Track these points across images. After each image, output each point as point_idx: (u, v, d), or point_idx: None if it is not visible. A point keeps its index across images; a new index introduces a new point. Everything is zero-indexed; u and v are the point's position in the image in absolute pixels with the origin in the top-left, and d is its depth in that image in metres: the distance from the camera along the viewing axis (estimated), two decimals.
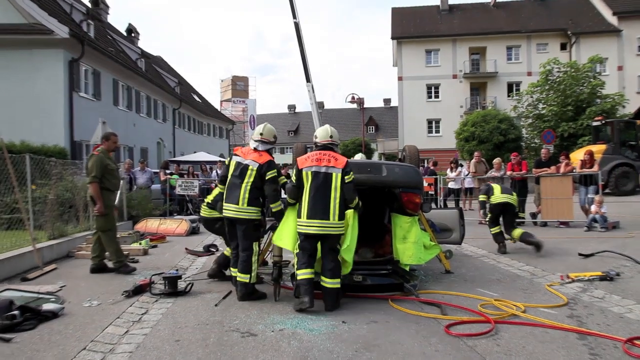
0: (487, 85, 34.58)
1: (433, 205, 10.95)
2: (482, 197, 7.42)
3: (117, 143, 6.01)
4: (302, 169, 4.40)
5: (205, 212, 5.29)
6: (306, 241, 4.26)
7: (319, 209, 4.20)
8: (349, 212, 4.38)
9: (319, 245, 4.33)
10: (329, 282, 4.18)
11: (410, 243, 4.93)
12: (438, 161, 16.22)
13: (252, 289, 4.50)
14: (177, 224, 9.98)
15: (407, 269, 4.93)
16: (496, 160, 10.99)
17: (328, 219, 4.19)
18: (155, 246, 8.13)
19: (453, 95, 34.18)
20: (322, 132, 4.62)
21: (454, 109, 33.89)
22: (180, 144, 28.90)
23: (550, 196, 9.57)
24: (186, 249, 7.55)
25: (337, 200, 4.24)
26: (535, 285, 5.01)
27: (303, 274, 4.25)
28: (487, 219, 7.05)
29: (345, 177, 4.30)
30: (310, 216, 4.20)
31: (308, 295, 4.12)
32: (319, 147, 4.55)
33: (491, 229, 7.14)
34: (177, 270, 5.67)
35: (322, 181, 4.29)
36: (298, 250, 4.35)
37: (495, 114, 24.77)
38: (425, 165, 14.83)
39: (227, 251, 5.29)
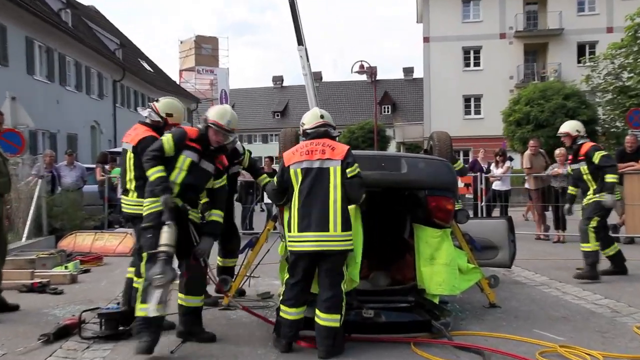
0: (549, 47, 34.70)
1: (471, 214, 10.98)
2: (573, 190, 7.55)
3: (2, 124, 6.07)
4: (289, 167, 4.41)
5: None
6: (299, 263, 4.28)
7: (314, 218, 4.20)
8: (351, 210, 4.36)
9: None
10: (325, 319, 4.18)
11: (440, 265, 4.95)
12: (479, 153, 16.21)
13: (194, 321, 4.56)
14: (119, 240, 9.96)
15: (437, 301, 4.94)
16: (559, 152, 11.02)
17: (327, 230, 4.17)
18: (87, 270, 8.12)
19: (500, 62, 34.29)
20: (310, 115, 4.65)
21: (501, 81, 34.00)
22: (124, 129, 28.84)
23: (638, 202, 9.59)
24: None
25: (339, 204, 4.22)
26: (617, 327, 5.01)
27: (288, 313, 4.28)
28: (591, 226, 6.98)
29: (348, 171, 4.27)
30: (302, 228, 4.22)
31: (286, 339, 4.26)
32: (309, 136, 4.54)
33: (606, 250, 7.21)
34: (118, 304, 5.65)
35: (316, 180, 4.29)
36: (287, 277, 4.36)
37: (560, 87, 24.84)
38: (471, 157, 14.66)
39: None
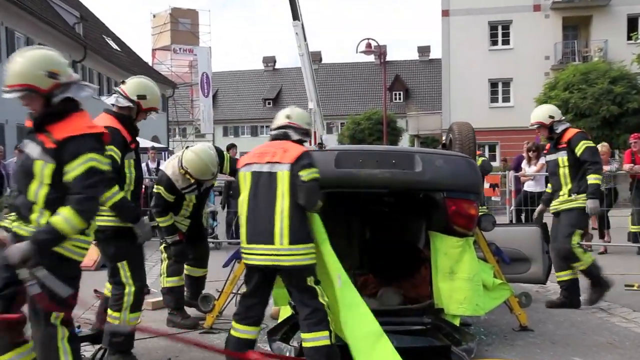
0: (592, 21, 34.66)
1: (500, 220, 10.99)
2: (550, 189, 7.29)
3: None
4: (239, 170, 4.60)
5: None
6: (251, 276, 4.49)
7: (261, 229, 4.36)
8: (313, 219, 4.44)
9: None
10: (311, 339, 4.28)
11: (461, 281, 4.99)
12: (506, 149, 16.24)
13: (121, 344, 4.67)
14: None
15: (457, 323, 4.99)
16: (602, 147, 11.05)
17: (273, 243, 4.29)
18: None
19: (533, 39, 34.26)
20: (278, 115, 4.78)
21: (535, 62, 33.99)
22: None
23: None
24: (95, 291, 7.57)
25: (286, 213, 4.32)
26: None
27: (235, 329, 4.47)
28: (575, 244, 6.85)
29: (302, 173, 4.35)
30: (250, 240, 4.39)
31: None
32: (270, 138, 4.70)
33: (561, 274, 6.86)
34: (79, 326, 5.67)
35: (264, 186, 4.42)
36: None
37: (605, 69, 24.80)
38: (498, 152, 14.28)
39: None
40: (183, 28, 43.85)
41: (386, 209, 6.44)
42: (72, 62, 28.08)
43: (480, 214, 5.53)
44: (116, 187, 4.39)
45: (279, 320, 5.10)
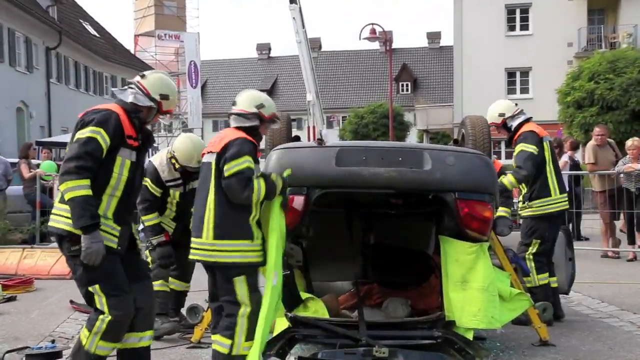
0: (621, 4, 34.65)
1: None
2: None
3: None
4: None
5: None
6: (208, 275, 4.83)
7: (195, 222, 4.70)
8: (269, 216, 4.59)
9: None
10: (214, 340, 4.62)
11: (474, 291, 4.99)
12: None
13: None
14: (54, 258, 9.97)
15: (470, 336, 4.98)
16: (634, 142, 11.04)
17: (200, 237, 4.59)
18: (13, 298, 8.13)
19: (555, 24, 34.27)
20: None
21: (557, 50, 34.01)
22: (60, 112, 28.95)
23: None
24: (71, 301, 7.58)
25: (212, 205, 4.55)
26: None
27: (214, 342, 4.67)
28: (529, 253, 6.68)
29: (225, 169, 4.48)
30: (192, 233, 4.76)
31: None
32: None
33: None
34: (53, 341, 5.68)
35: (202, 177, 4.76)
36: None
37: (635, 56, 24.79)
38: (567, 153, 13.63)
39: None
40: (169, 12, 43.82)
41: (392, 211, 6.44)
42: (45, 49, 28.12)
43: (495, 216, 5.53)
44: (87, 180, 4.02)
45: (274, 334, 5.11)
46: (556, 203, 6.58)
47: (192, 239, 4.65)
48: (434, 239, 5.88)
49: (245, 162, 4.47)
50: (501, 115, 6.72)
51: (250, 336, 4.49)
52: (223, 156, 4.50)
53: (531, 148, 6.47)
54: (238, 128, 4.70)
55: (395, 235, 6.67)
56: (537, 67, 34.27)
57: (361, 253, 6.59)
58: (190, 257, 4.69)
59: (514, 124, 6.70)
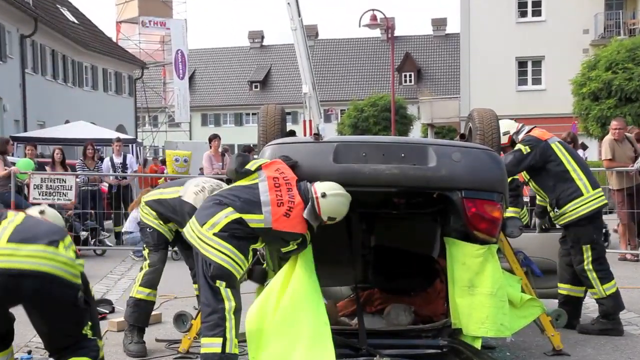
0: None
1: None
2: (541, 201, 7.22)
3: None
4: None
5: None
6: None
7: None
8: None
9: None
10: (203, 344, 4.68)
11: (482, 296, 4.99)
12: None
13: None
14: None
15: (478, 345, 4.99)
16: None
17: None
18: None
19: (570, 10, 34.30)
20: None
21: (571, 37, 34.03)
22: (37, 105, 28.90)
23: None
24: None
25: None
26: None
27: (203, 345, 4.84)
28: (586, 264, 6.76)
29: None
30: None
31: None
32: None
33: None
34: (30, 352, 5.68)
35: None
36: None
37: None
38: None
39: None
40: None
41: (394, 211, 6.44)
42: (20, 37, 28.05)
43: (505, 216, 5.53)
44: None
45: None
46: (591, 201, 6.53)
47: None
48: (439, 240, 5.88)
49: (299, 240, 4.84)
50: (506, 133, 6.79)
51: (237, 334, 4.59)
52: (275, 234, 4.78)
53: (522, 147, 6.57)
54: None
55: (397, 237, 6.66)
56: (550, 56, 34.28)
57: (361, 256, 6.58)
58: (186, 235, 4.87)
59: (520, 137, 6.80)
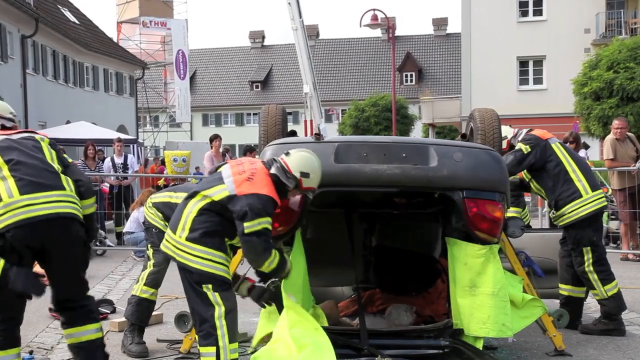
0: None
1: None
2: None
3: None
4: None
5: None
6: None
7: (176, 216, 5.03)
8: None
9: None
10: (202, 355, 4.66)
11: (484, 296, 4.99)
12: None
13: None
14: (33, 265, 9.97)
15: (480, 346, 4.99)
16: None
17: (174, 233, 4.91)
18: None
19: (571, 10, 34.26)
20: None
21: (573, 37, 33.97)
22: (38, 106, 28.89)
23: None
24: (50, 309, 7.56)
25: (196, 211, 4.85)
26: None
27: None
28: (587, 266, 6.67)
29: (247, 223, 4.66)
30: None
31: None
32: None
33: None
34: (31, 352, 5.68)
35: (211, 181, 5.01)
36: None
37: None
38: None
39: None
40: None
41: (395, 211, 6.44)
42: (21, 38, 28.06)
43: (507, 216, 5.53)
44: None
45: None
46: (590, 203, 6.51)
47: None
48: (441, 241, 5.88)
49: (267, 222, 4.60)
50: (504, 138, 6.75)
51: (233, 337, 4.55)
52: (240, 201, 4.59)
53: (523, 147, 6.57)
54: (270, 175, 4.76)
55: (398, 237, 6.67)
56: (552, 56, 34.20)
57: (362, 256, 6.58)
58: (162, 247, 4.85)
59: (520, 138, 6.82)
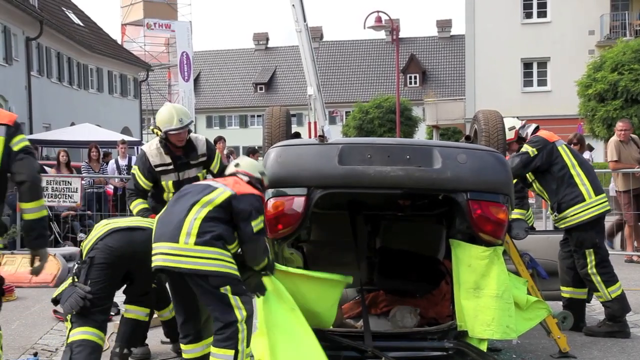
0: None
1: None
2: None
3: None
4: None
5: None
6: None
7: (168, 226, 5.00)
8: None
9: None
10: (214, 354, 4.67)
11: (488, 298, 5.00)
12: None
13: None
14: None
15: (484, 348, 5.00)
16: None
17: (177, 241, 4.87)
18: None
19: (575, 11, 34.23)
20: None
21: (577, 38, 33.95)
22: (42, 108, 28.96)
23: None
24: (54, 311, 7.59)
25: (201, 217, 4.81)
26: None
27: (184, 352, 5.05)
28: (589, 268, 6.68)
29: (254, 222, 4.73)
30: None
31: None
32: None
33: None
34: (36, 354, 5.69)
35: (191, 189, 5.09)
36: None
37: None
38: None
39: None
40: (159, 0, 43.86)
41: (399, 213, 6.45)
42: (25, 40, 28.13)
43: (511, 218, 5.52)
44: None
45: None
46: (594, 207, 6.50)
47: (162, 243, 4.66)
48: (445, 242, 5.88)
49: (263, 221, 4.77)
50: (512, 128, 6.78)
51: (249, 342, 4.60)
52: (243, 200, 4.67)
53: (530, 149, 6.53)
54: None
55: (402, 239, 6.67)
56: (556, 58, 34.18)
57: (366, 258, 6.58)
58: (160, 263, 4.66)
59: (528, 131, 6.81)
